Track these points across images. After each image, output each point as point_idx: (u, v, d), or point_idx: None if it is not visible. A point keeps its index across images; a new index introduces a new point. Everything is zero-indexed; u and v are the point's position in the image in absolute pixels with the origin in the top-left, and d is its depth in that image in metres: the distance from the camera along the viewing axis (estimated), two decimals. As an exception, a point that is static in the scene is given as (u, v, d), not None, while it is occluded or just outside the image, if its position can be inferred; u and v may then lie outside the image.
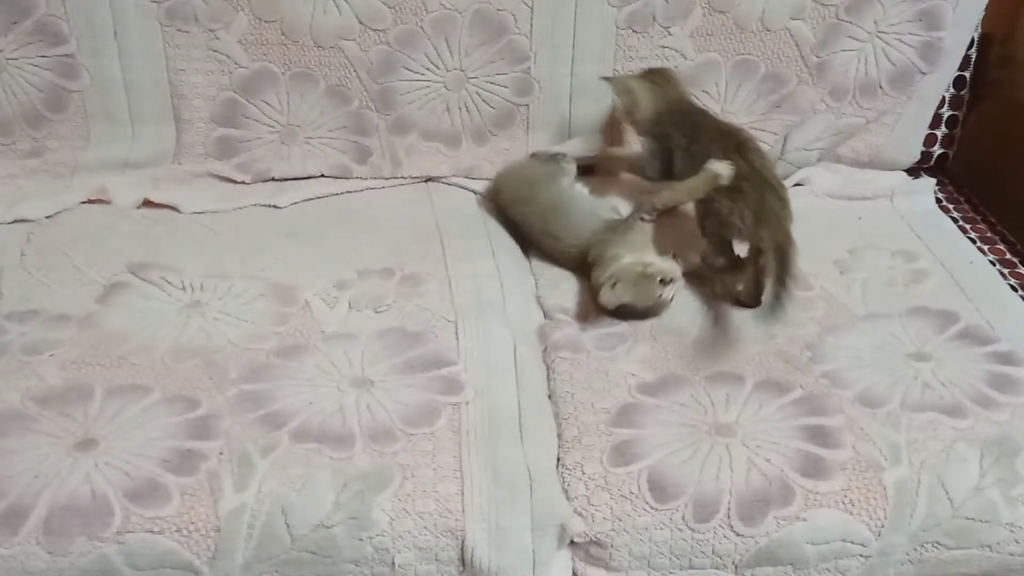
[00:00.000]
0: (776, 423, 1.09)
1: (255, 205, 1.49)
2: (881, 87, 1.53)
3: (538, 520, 1.02)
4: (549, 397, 1.16)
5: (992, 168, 1.62)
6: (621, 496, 1.03)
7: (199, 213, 1.47)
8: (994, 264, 1.40)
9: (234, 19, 1.44)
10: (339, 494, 1.00)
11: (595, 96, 1.51)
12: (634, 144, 1.49)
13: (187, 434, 1.05)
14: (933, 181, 1.59)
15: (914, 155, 1.62)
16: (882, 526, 1.03)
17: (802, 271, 1.23)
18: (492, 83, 1.50)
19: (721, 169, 1.22)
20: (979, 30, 1.56)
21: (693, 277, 1.30)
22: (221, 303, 1.26)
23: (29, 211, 1.44)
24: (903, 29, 1.50)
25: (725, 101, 1.53)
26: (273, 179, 1.54)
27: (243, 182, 1.53)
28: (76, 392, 1.10)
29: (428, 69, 1.49)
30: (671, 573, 1.04)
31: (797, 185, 1.56)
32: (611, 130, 1.54)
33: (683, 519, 1.02)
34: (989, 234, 1.49)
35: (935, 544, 1.05)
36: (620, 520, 1.02)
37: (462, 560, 1.01)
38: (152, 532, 0.97)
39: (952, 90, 1.60)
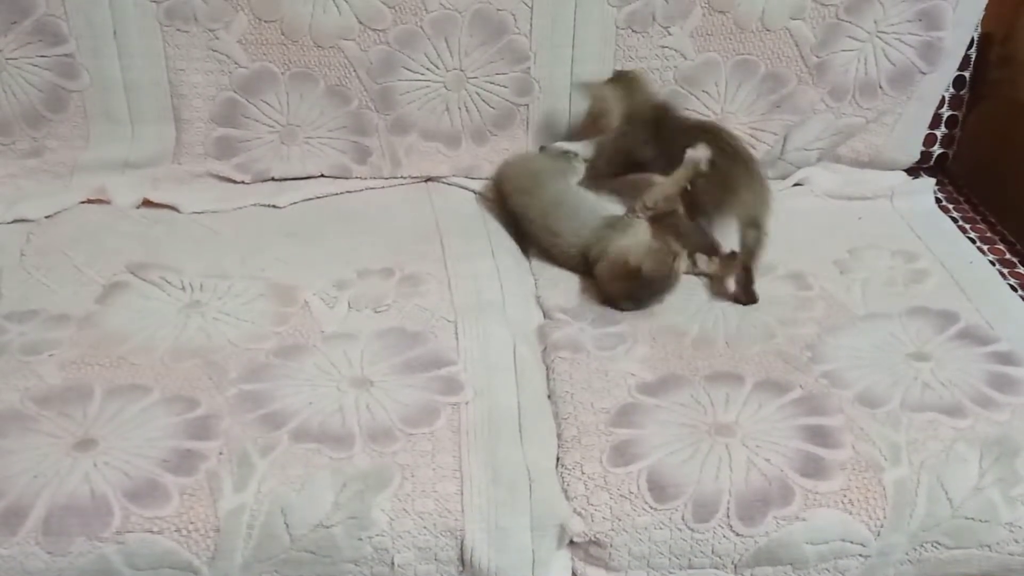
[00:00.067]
0: (776, 423, 1.09)
1: (255, 205, 1.49)
2: (881, 87, 1.53)
3: (537, 520, 1.02)
4: (549, 397, 1.16)
5: (992, 168, 1.62)
6: (621, 496, 1.03)
7: (199, 213, 1.47)
8: (994, 264, 1.40)
9: (234, 19, 1.44)
10: (338, 494, 1.00)
11: (595, 96, 1.51)
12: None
13: (186, 434, 1.05)
14: (933, 181, 1.59)
15: (914, 155, 1.62)
16: (881, 526, 1.03)
17: (800, 268, 1.25)
18: (492, 83, 1.50)
19: (699, 154, 1.29)
20: (979, 30, 1.56)
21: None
22: (221, 303, 1.26)
23: (29, 211, 1.44)
24: (903, 29, 1.50)
25: (725, 101, 1.53)
26: (273, 179, 1.54)
27: (243, 182, 1.53)
28: (75, 392, 1.10)
29: (428, 69, 1.49)
30: (670, 573, 1.04)
31: (797, 185, 1.56)
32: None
33: (683, 519, 1.02)
34: (989, 234, 1.49)
35: (935, 544, 1.05)
36: (620, 520, 1.02)
37: (461, 560, 1.01)
38: (151, 532, 0.97)
39: (952, 90, 1.60)
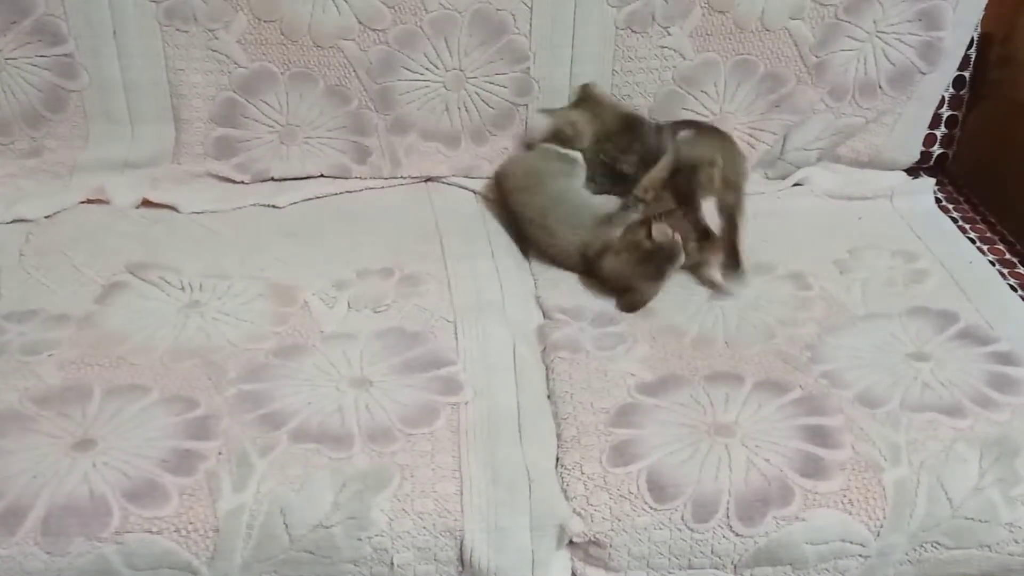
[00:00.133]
0: (775, 423, 1.09)
1: (254, 205, 1.49)
2: (880, 87, 1.53)
3: (537, 520, 1.02)
4: (548, 397, 1.16)
5: (992, 168, 1.62)
6: (620, 496, 1.03)
7: (198, 213, 1.46)
8: (994, 264, 1.40)
9: (233, 19, 1.44)
10: (338, 494, 1.00)
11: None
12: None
13: (186, 434, 1.05)
14: (933, 181, 1.59)
15: (914, 155, 1.62)
16: (881, 526, 1.03)
17: (800, 262, 1.24)
18: (491, 83, 1.50)
19: (683, 136, 1.35)
20: (979, 30, 1.56)
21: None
22: (220, 303, 1.26)
23: (28, 211, 1.44)
24: (903, 29, 1.50)
25: (724, 101, 1.53)
26: (272, 179, 1.54)
27: (242, 182, 1.53)
28: (75, 392, 1.10)
29: (427, 69, 1.49)
30: (670, 573, 1.04)
31: (797, 185, 1.56)
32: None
33: (682, 519, 1.02)
34: (989, 234, 1.49)
35: (934, 544, 1.05)
36: (619, 520, 1.02)
37: (461, 560, 1.01)
38: (151, 532, 0.97)
39: (952, 90, 1.60)
